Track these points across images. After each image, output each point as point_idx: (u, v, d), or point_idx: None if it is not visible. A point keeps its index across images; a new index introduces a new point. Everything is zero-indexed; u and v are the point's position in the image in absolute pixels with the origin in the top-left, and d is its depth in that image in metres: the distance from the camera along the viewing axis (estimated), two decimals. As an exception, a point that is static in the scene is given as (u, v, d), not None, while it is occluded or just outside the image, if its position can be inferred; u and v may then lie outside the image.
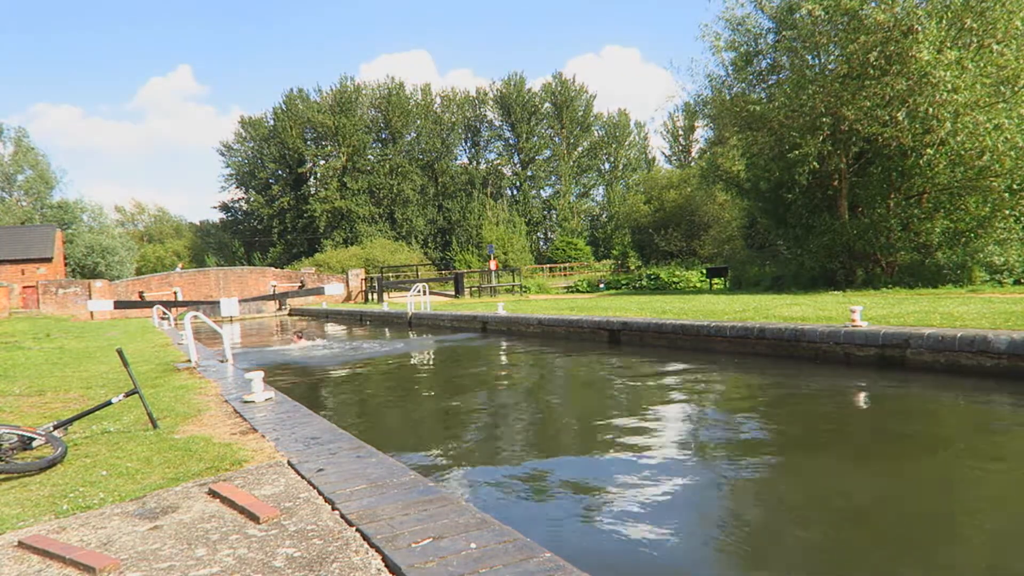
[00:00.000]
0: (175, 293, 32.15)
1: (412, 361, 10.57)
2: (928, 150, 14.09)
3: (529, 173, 64.00)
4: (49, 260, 36.15)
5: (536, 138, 63.10)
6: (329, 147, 58.56)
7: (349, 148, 57.24)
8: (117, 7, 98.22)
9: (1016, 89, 13.72)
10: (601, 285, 30.68)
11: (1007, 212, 14.41)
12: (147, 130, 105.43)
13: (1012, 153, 13.37)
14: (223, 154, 61.57)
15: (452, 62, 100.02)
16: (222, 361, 7.69)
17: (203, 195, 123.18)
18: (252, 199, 60.40)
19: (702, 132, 41.79)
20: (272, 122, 59.91)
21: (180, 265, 47.49)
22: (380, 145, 60.11)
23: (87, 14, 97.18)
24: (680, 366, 7.66)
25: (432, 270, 48.95)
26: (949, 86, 13.23)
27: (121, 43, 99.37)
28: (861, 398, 5.67)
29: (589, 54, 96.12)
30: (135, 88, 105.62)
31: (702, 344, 8.59)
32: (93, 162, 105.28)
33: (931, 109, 13.55)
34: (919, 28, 13.34)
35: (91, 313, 28.77)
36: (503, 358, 10.23)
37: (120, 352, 4.37)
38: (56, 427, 3.89)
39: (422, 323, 16.72)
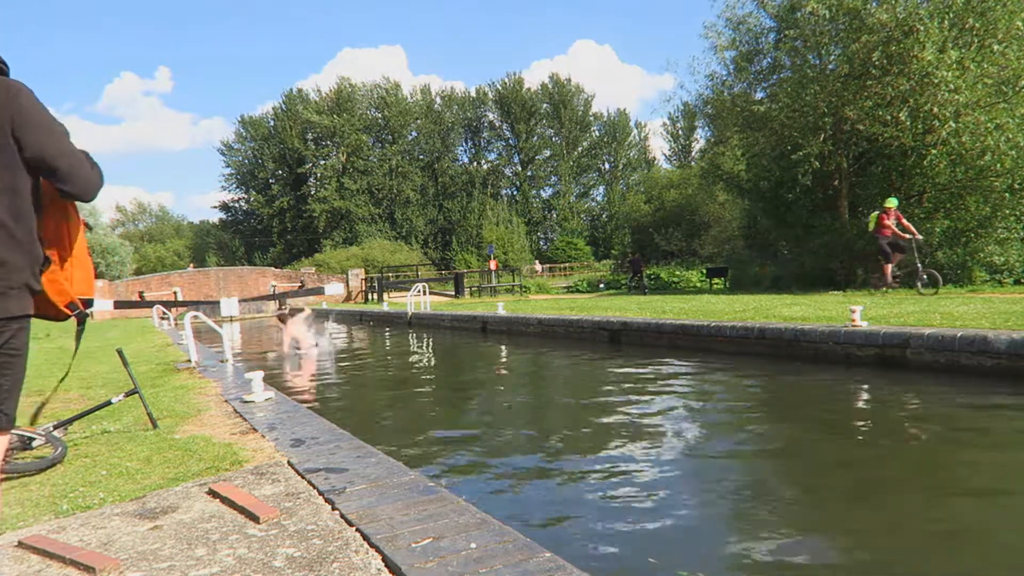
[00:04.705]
0: (175, 293, 32.16)
1: (412, 361, 10.58)
2: (932, 150, 14.09)
3: (529, 173, 64.05)
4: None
5: (536, 138, 63.13)
6: (328, 147, 58.56)
7: (348, 148, 57.25)
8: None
9: (1017, 89, 13.70)
10: (601, 285, 30.67)
11: (1007, 212, 14.40)
12: (116, 131, 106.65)
13: (1013, 153, 13.36)
14: (223, 154, 61.63)
15: (424, 63, 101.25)
16: (222, 361, 7.69)
17: (185, 196, 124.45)
18: (252, 199, 60.44)
19: (702, 132, 41.88)
20: (272, 122, 59.94)
21: (191, 265, 47.86)
22: (380, 145, 60.11)
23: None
24: (680, 366, 7.66)
25: (432, 270, 48.98)
26: (950, 86, 13.23)
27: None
28: (861, 398, 5.67)
29: (564, 52, 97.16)
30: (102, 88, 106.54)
31: (702, 344, 8.59)
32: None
33: (934, 108, 13.55)
34: (920, 28, 13.34)
35: (91, 313, 28.76)
36: (503, 358, 10.24)
37: (120, 352, 4.37)
38: (56, 427, 3.89)
39: (422, 323, 16.73)
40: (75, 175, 1.83)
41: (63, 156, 1.81)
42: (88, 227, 2.13)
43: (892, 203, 12.39)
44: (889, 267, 12.46)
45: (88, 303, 2.04)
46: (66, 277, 1.94)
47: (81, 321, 2.10)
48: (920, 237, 12.16)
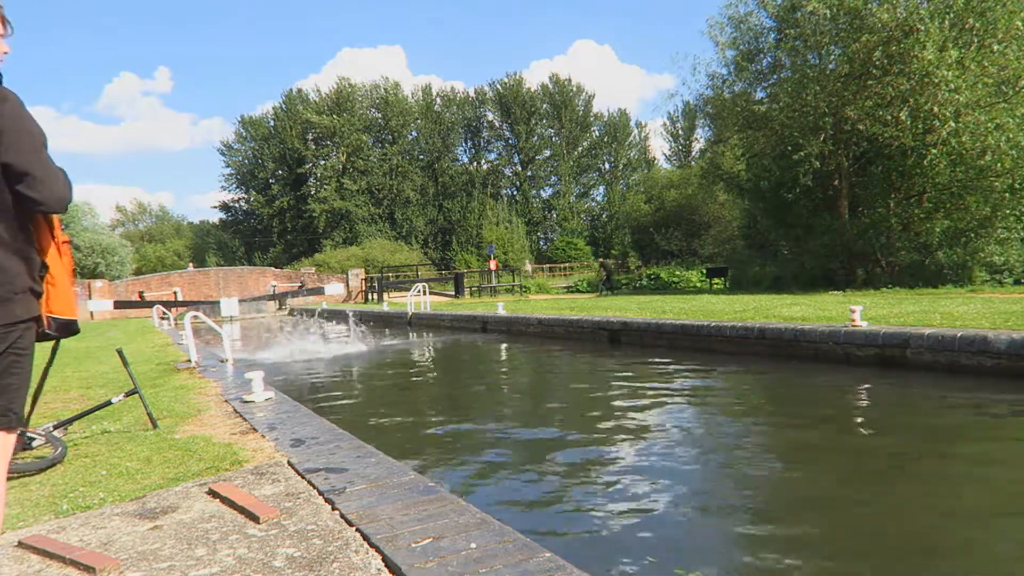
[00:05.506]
0: (175, 293, 32.14)
1: (412, 362, 10.57)
2: (932, 150, 14.10)
3: (529, 173, 63.96)
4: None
5: (536, 138, 63.04)
6: (328, 147, 58.49)
7: (348, 148, 57.20)
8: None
9: (1017, 89, 13.72)
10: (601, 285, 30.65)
11: (1007, 212, 14.42)
12: (118, 131, 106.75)
13: (1013, 153, 13.38)
14: (223, 154, 61.53)
15: (423, 63, 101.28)
16: (222, 361, 7.69)
17: (185, 196, 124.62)
18: (252, 199, 60.39)
19: (702, 131, 41.87)
20: (272, 122, 59.91)
21: (191, 265, 48.03)
22: (380, 145, 60.03)
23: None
24: (680, 366, 7.66)
25: (432, 270, 48.91)
26: (951, 86, 13.24)
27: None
28: (861, 398, 5.67)
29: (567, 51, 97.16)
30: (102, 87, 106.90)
31: (702, 344, 8.59)
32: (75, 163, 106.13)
33: (934, 108, 13.56)
34: (921, 28, 13.35)
35: (91, 313, 28.74)
36: (503, 358, 10.24)
37: (120, 352, 4.37)
38: (56, 427, 3.89)
39: (422, 323, 16.73)
40: (45, 182, 1.77)
41: (39, 162, 1.76)
42: (75, 247, 2.10)
43: None
44: None
45: (66, 325, 1.99)
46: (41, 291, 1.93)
47: (55, 340, 2.08)
48: None
